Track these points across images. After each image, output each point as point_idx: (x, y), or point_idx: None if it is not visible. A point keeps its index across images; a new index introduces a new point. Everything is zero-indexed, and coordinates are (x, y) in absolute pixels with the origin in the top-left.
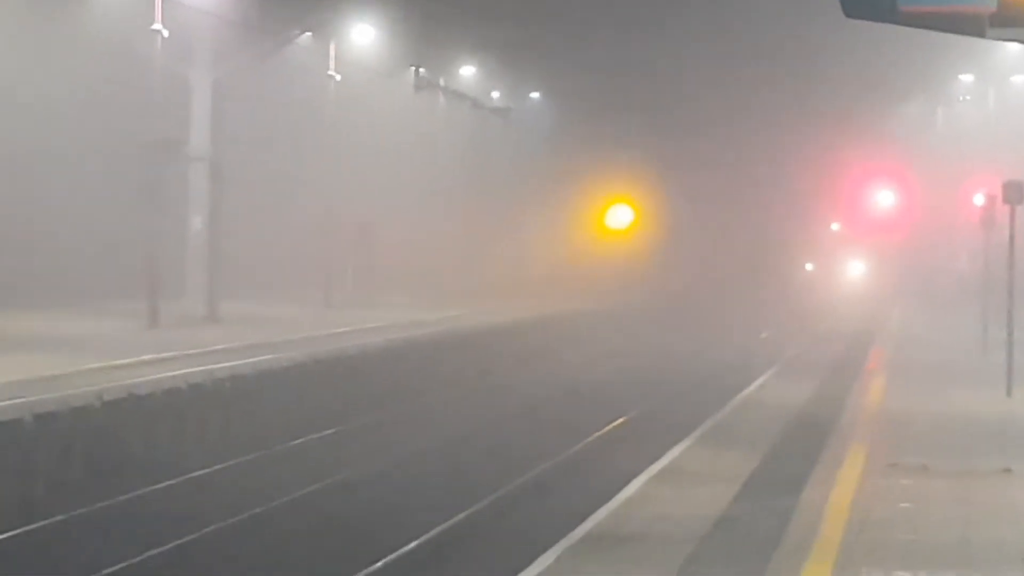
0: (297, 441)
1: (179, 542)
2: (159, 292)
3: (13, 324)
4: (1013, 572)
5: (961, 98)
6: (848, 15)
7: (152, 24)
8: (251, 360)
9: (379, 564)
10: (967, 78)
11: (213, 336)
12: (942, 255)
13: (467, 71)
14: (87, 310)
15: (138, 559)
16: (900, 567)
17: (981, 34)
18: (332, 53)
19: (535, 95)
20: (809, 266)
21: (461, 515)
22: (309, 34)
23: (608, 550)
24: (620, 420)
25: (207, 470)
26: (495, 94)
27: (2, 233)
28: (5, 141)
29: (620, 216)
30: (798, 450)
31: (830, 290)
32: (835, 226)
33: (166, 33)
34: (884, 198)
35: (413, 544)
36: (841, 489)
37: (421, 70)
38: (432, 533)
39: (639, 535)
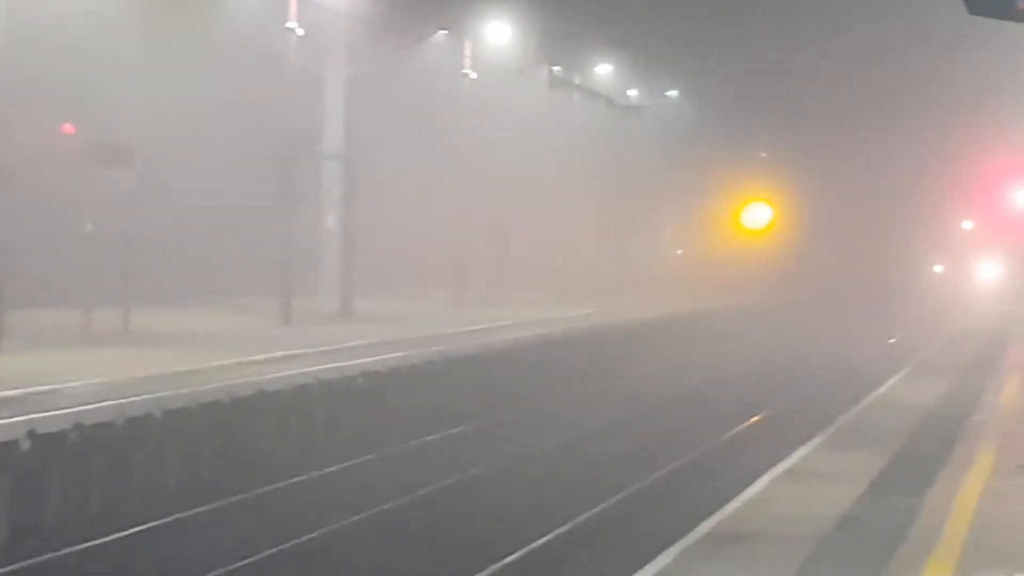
0: (428, 438)
1: (299, 540)
2: (293, 289)
3: (148, 321)
4: None
5: None
6: (971, 12)
7: (287, 22)
8: (382, 357)
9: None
10: None
11: (345, 333)
12: None
13: (603, 69)
14: (222, 307)
15: (258, 557)
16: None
17: None
18: (467, 51)
19: (672, 93)
20: (938, 268)
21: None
22: (444, 32)
23: (728, 548)
24: (757, 417)
25: (333, 468)
26: (632, 92)
27: (140, 231)
28: (142, 141)
29: (757, 215)
30: (928, 451)
31: (962, 296)
32: (967, 224)
33: (300, 31)
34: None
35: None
36: (967, 490)
37: (555, 68)
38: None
39: (760, 534)
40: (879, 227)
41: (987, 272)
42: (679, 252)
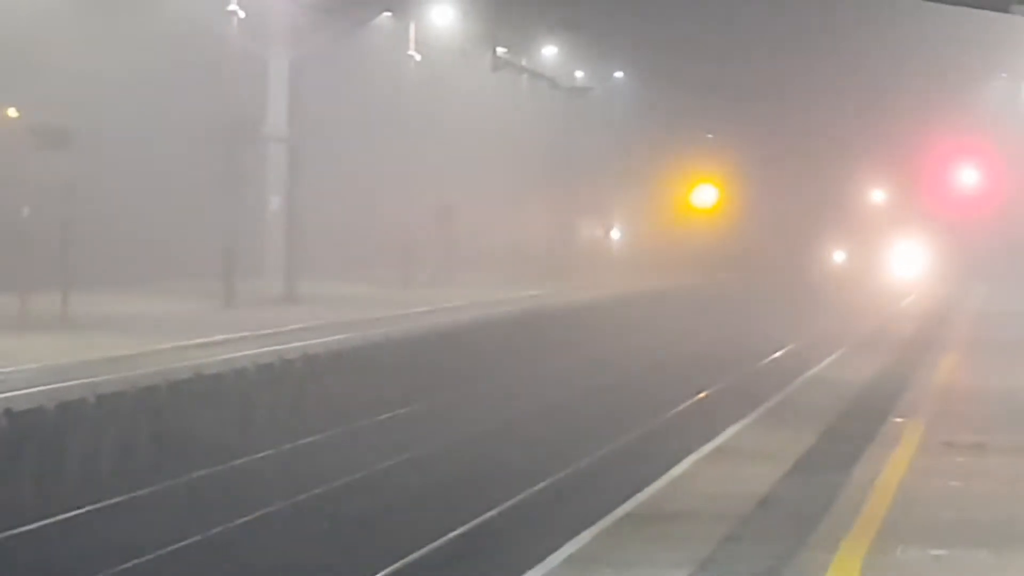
0: (365, 421)
1: (230, 524)
2: (236, 272)
3: (88, 305)
4: None
5: None
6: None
7: (228, 5)
8: (324, 340)
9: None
10: None
11: (288, 316)
12: None
13: (549, 51)
14: (164, 291)
15: (197, 538)
16: (939, 545)
17: (1005, 9)
18: (412, 34)
19: (619, 75)
20: (840, 254)
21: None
22: (388, 14)
23: (647, 528)
24: (701, 395)
25: (268, 451)
26: (579, 74)
27: (79, 214)
28: (83, 121)
29: (703, 196)
30: (856, 429)
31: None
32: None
33: (242, 14)
34: (968, 176)
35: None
36: (892, 467)
37: (499, 50)
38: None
39: (686, 513)
40: (797, 209)
41: (907, 257)
42: (614, 234)
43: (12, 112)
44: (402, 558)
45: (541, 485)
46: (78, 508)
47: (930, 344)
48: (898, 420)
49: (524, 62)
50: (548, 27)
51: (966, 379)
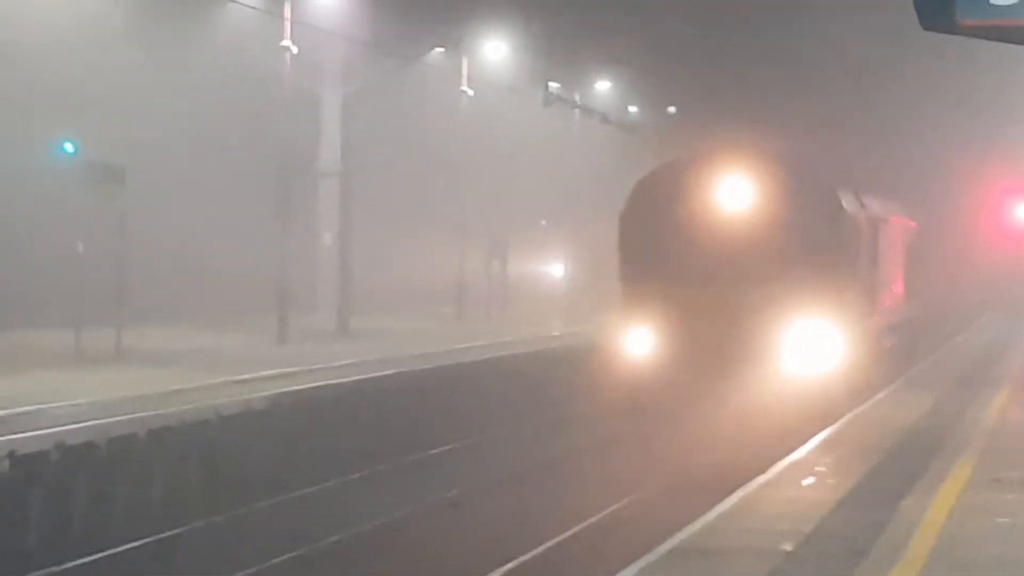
0: (414, 456)
1: (282, 558)
2: (290, 307)
3: (142, 340)
4: None
5: None
6: (924, 28)
7: (281, 41)
8: (375, 375)
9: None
10: None
11: (340, 350)
12: None
13: (602, 86)
14: (218, 325)
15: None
16: None
17: None
18: (464, 69)
19: (671, 109)
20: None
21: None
22: (441, 50)
23: (692, 564)
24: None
25: (328, 484)
26: (632, 109)
27: (134, 250)
28: (137, 157)
29: None
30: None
31: None
32: None
33: (295, 50)
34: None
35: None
36: (939, 503)
37: (551, 85)
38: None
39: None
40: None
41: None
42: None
43: (68, 148)
44: None
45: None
46: (124, 544)
47: None
48: None
49: (577, 97)
50: (603, 63)
51: None
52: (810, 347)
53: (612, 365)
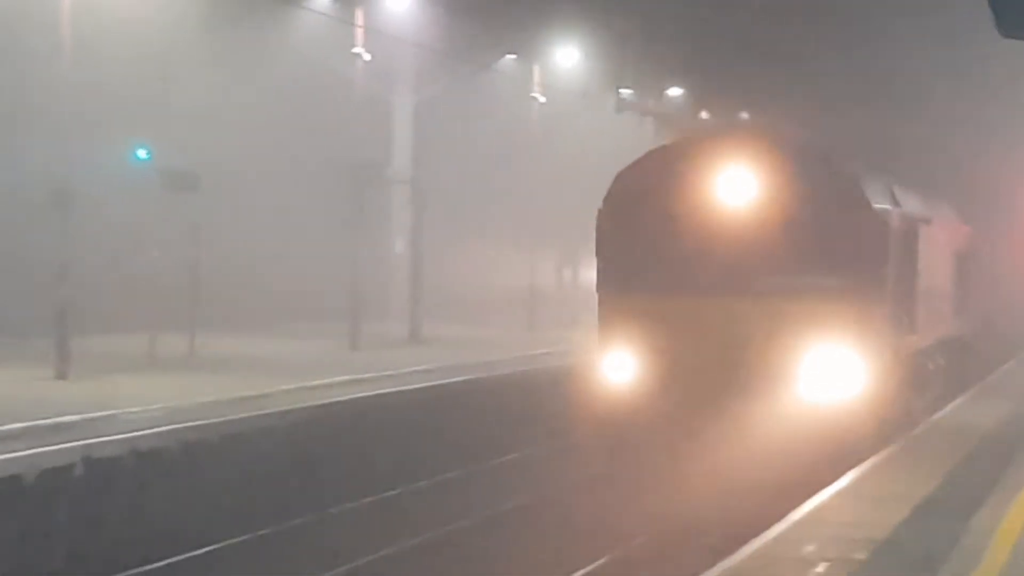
0: (483, 465)
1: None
2: (363, 314)
3: (215, 346)
4: None
5: None
6: (1003, 35)
7: (353, 48)
8: (446, 381)
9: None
10: None
11: (412, 357)
12: None
13: (674, 92)
14: (290, 332)
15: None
16: None
17: None
18: (535, 76)
19: (743, 116)
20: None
21: None
22: (513, 57)
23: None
24: None
25: (396, 491)
26: (704, 115)
27: (207, 256)
28: (210, 163)
29: None
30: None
31: None
32: None
33: (367, 57)
34: None
35: None
36: (1017, 512)
37: (622, 92)
38: None
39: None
40: None
41: None
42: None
43: (142, 154)
44: None
45: None
46: (200, 548)
47: None
48: None
49: (650, 103)
50: (676, 69)
51: None
52: (828, 373)
53: (588, 395)
